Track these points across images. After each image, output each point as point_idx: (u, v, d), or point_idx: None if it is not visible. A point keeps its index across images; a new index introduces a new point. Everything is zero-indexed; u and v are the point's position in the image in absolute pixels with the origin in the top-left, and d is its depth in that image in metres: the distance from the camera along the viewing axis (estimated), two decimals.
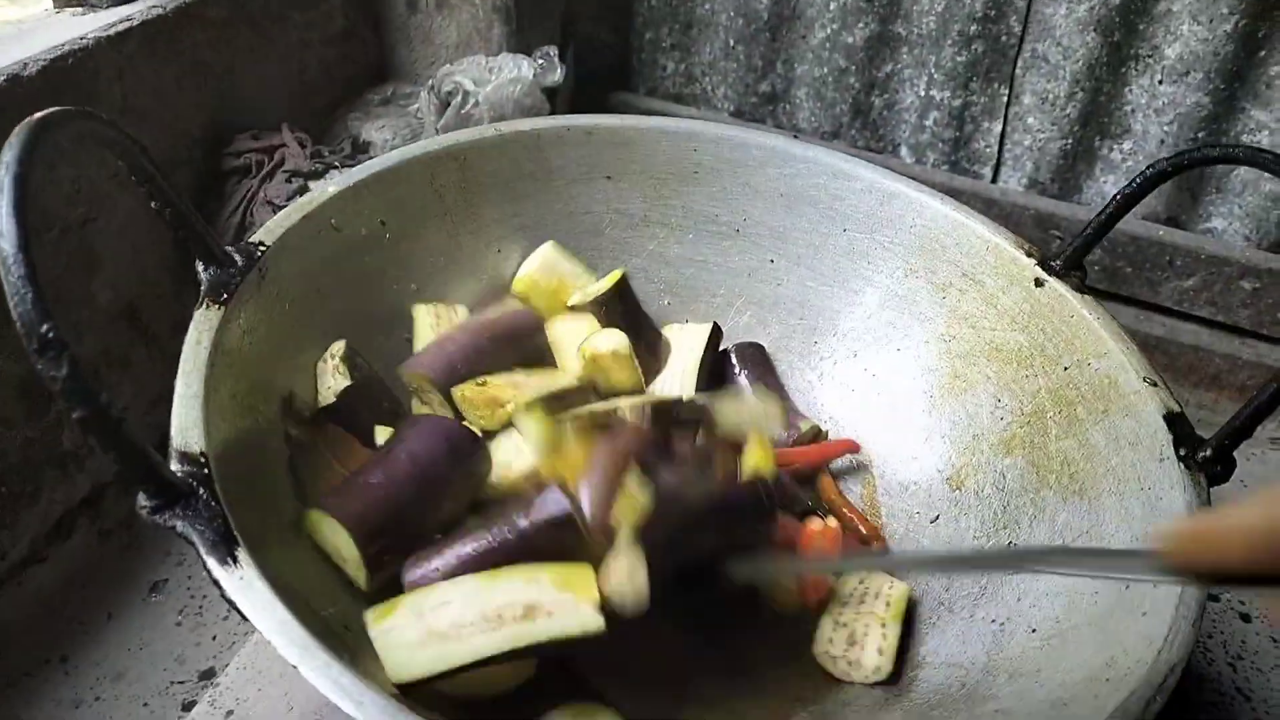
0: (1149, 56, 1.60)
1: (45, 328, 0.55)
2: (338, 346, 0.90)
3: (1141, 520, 0.81)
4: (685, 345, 1.08)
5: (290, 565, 0.71)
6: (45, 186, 1.16)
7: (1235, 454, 0.82)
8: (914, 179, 1.08)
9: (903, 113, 1.76)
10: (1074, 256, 0.99)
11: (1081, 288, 0.97)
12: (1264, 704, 1.20)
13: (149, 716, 1.13)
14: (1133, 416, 0.87)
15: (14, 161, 0.58)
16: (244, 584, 0.61)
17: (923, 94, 1.72)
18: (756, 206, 1.12)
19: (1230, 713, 1.19)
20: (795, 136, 1.44)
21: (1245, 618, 1.32)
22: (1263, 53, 1.53)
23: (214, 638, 1.21)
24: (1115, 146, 1.69)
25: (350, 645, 0.61)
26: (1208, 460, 0.81)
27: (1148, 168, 0.93)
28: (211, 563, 0.61)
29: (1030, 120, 1.70)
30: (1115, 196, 0.95)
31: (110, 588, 1.26)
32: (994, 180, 1.77)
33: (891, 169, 1.09)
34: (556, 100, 1.54)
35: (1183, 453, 0.82)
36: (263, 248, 0.83)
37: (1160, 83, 1.61)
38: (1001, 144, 1.73)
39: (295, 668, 0.58)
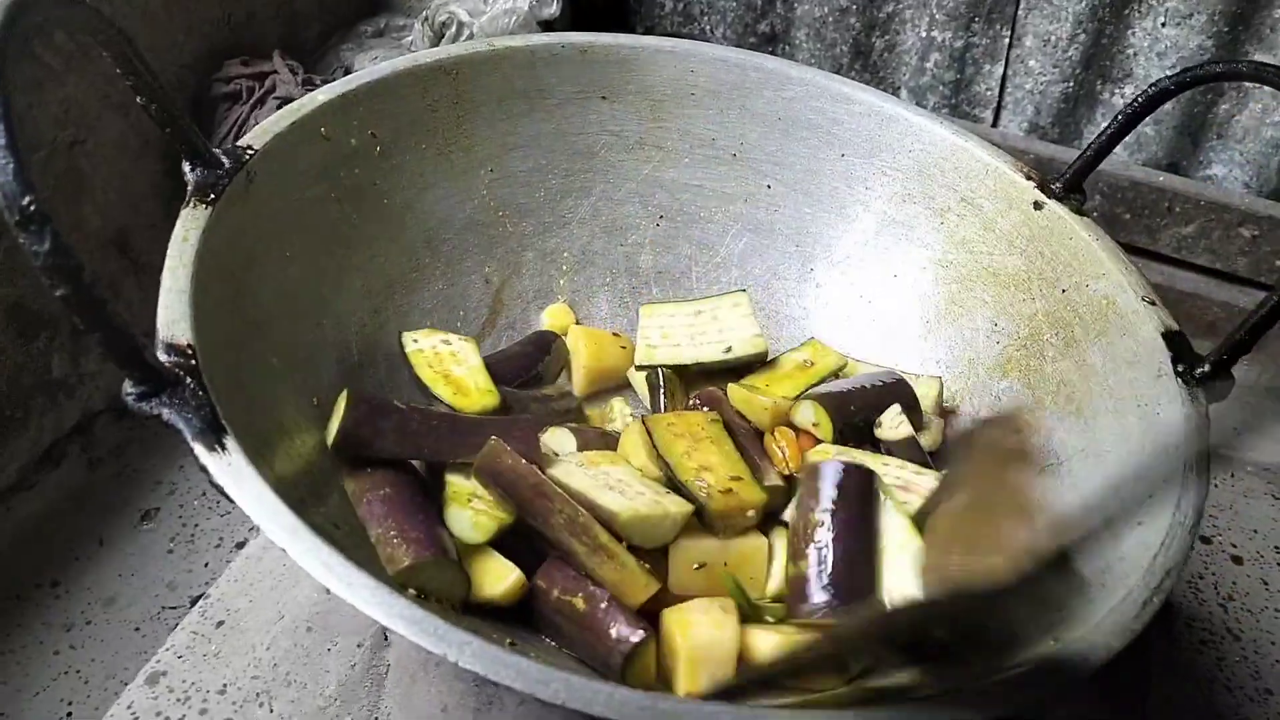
0: None
1: (27, 200, 0.54)
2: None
3: (1139, 436, 0.81)
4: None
5: (282, 463, 0.70)
6: (34, 106, 1.15)
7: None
8: None
9: (903, 54, 1.74)
10: (1074, 179, 0.98)
11: (1081, 210, 0.96)
12: (1254, 644, 1.20)
13: (140, 640, 1.13)
14: (1130, 335, 0.86)
15: None
16: (232, 470, 0.60)
17: (924, 35, 1.70)
18: (754, 130, 1.10)
19: (1220, 652, 1.19)
20: None
21: (1237, 560, 1.32)
22: None
23: (205, 564, 1.21)
24: (1117, 91, 1.68)
25: (340, 542, 0.60)
26: (1206, 376, 0.80)
27: (1150, 85, 0.92)
28: (199, 449, 0.60)
29: (1032, 63, 1.68)
30: (1117, 116, 0.94)
31: (101, 515, 1.25)
32: (994, 124, 1.75)
33: None
34: None
35: (1180, 369, 0.81)
36: (250, 151, 0.82)
37: (1163, 25, 1.59)
38: (1002, 87, 1.72)
39: (284, 550, 0.57)
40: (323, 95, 0.91)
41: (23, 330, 1.18)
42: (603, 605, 0.74)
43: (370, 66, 0.97)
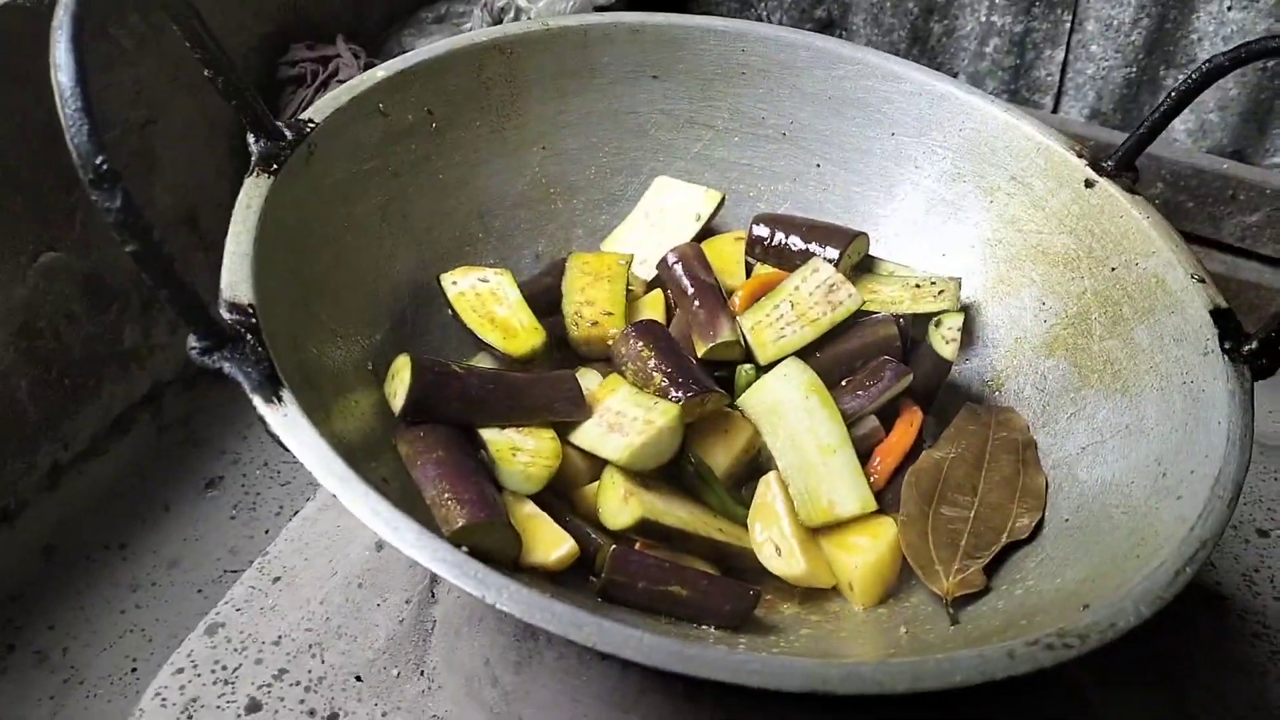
0: None
1: (100, 159, 0.57)
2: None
3: (1183, 412, 0.80)
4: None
5: (337, 421, 0.73)
6: (107, 87, 1.19)
7: None
8: None
9: (962, 39, 1.73)
10: (1126, 157, 0.97)
11: (1132, 189, 0.96)
12: None
13: (202, 601, 1.17)
14: (1178, 313, 0.86)
15: (73, 2, 0.60)
16: (288, 421, 0.63)
17: (983, 19, 1.69)
18: (804, 110, 1.11)
19: (1274, 645, 1.17)
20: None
21: None
22: None
23: (266, 531, 1.25)
24: (1180, 76, 1.65)
25: (390, 495, 0.62)
26: (1253, 353, 0.80)
27: (1204, 62, 0.91)
28: (257, 400, 0.64)
29: (1093, 48, 1.66)
30: (1170, 93, 0.93)
31: (167, 482, 1.30)
32: (1054, 110, 1.73)
33: None
34: None
35: (1228, 346, 0.80)
36: (311, 124, 0.85)
37: (1229, 9, 1.56)
38: (1063, 72, 1.70)
39: (335, 496, 0.60)
40: (381, 72, 0.94)
41: (96, 301, 1.23)
42: (703, 584, 0.79)
43: (429, 45, 0.99)
